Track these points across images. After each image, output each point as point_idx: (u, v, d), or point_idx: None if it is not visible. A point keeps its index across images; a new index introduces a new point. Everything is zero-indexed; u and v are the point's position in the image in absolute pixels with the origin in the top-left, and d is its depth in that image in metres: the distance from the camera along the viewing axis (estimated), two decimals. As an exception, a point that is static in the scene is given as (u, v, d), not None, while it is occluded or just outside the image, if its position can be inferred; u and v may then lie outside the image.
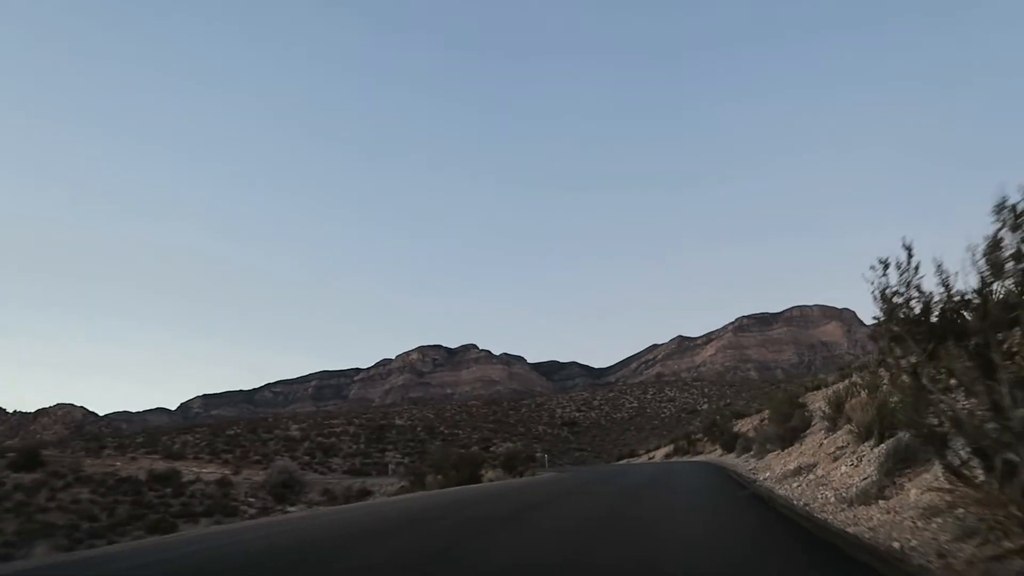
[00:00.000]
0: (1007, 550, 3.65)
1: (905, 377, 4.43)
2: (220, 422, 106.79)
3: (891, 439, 8.07)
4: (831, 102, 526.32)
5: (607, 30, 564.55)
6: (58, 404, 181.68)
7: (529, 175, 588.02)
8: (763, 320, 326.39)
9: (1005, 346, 3.92)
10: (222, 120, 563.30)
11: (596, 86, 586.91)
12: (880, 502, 6.39)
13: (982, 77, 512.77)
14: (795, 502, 8.34)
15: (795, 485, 10.08)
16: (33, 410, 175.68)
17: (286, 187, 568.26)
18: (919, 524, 4.99)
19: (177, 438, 68.84)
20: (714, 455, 32.40)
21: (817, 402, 20.09)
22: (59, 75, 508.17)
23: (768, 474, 13.67)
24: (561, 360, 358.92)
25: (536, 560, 5.30)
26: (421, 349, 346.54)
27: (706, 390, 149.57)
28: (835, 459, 10.34)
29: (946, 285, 4.51)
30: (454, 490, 19.72)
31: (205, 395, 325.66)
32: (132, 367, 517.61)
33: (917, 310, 4.60)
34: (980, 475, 4.08)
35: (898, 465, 6.96)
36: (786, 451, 16.25)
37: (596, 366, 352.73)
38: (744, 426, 33.58)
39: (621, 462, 57.43)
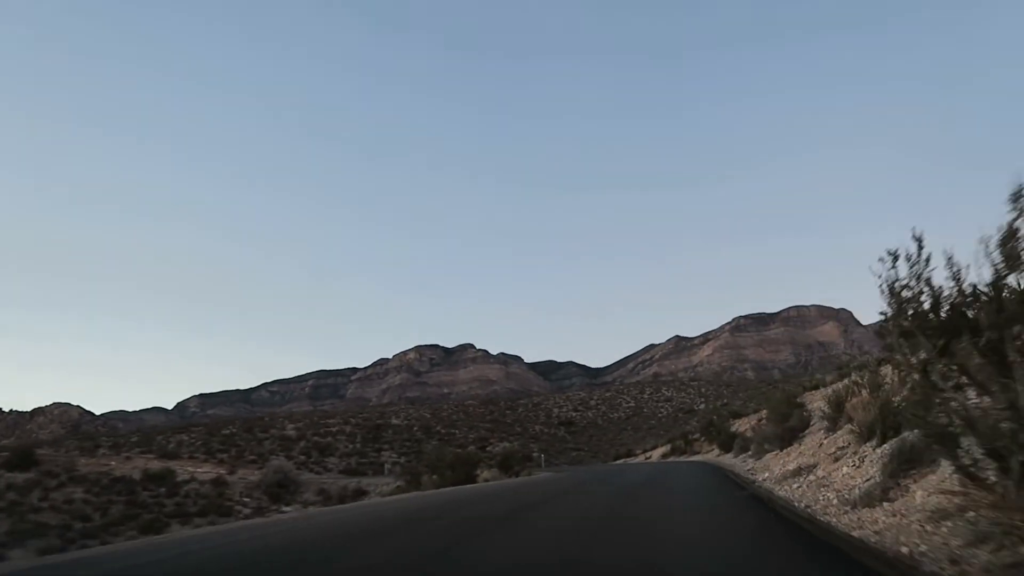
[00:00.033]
0: (1024, 556, 3.47)
1: (915, 375, 4.25)
2: (216, 421, 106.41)
3: (895, 439, 7.88)
4: (831, 102, 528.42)
5: (607, 30, 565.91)
6: (54, 403, 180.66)
7: (529, 175, 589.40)
8: (760, 320, 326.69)
9: (1020, 342, 3.75)
10: (222, 120, 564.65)
11: (596, 86, 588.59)
12: (885, 504, 6.19)
13: (982, 77, 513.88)
14: (796, 503, 8.16)
15: (795, 486, 9.90)
16: (29, 409, 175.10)
17: (286, 187, 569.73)
18: (928, 528, 4.79)
19: (172, 437, 68.49)
20: (711, 455, 32.25)
21: (816, 402, 19.92)
22: (59, 75, 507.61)
23: (767, 474, 13.49)
24: (558, 360, 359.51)
25: (534, 560, 5.28)
26: (418, 349, 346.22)
27: (703, 390, 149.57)
28: (836, 460, 10.16)
29: (957, 279, 4.33)
30: (449, 490, 19.57)
31: (202, 394, 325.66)
32: (129, 367, 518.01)
33: (927, 305, 4.43)
34: (994, 477, 3.90)
35: (902, 466, 6.77)
36: (785, 451, 16.08)
37: (593, 366, 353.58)
38: (741, 426, 33.43)
39: (618, 462, 57.29)
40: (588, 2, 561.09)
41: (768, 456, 17.43)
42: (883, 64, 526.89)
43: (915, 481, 6.37)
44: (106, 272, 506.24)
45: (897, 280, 4.31)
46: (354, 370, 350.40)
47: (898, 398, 8.88)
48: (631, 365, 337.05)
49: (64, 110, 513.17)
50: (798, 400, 21.40)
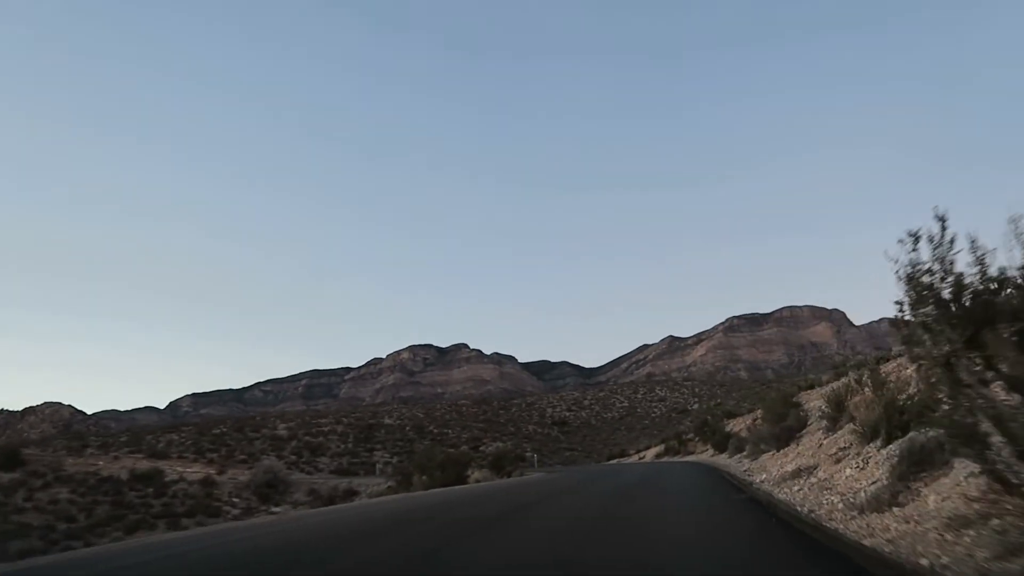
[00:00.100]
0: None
1: (938, 369, 3.87)
2: (207, 421, 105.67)
3: (902, 439, 7.51)
4: (831, 102, 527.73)
5: (607, 30, 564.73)
6: (45, 403, 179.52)
7: (529, 175, 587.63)
8: (753, 320, 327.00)
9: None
10: (222, 120, 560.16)
11: (596, 86, 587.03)
12: (895, 509, 5.79)
13: (982, 77, 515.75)
14: (799, 508, 7.77)
15: (796, 488, 9.53)
16: (20, 409, 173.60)
17: (286, 187, 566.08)
18: (947, 537, 4.38)
19: (162, 437, 67.86)
20: (705, 455, 31.94)
21: (814, 401, 19.61)
22: (59, 75, 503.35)
23: (764, 476, 13.13)
24: (552, 360, 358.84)
25: (526, 560, 5.29)
26: (412, 348, 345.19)
27: (696, 390, 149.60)
28: (838, 461, 9.79)
29: (982, 263, 3.97)
30: (440, 491, 19.26)
31: (195, 394, 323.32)
32: (123, 366, 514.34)
33: (948, 293, 4.06)
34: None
35: (912, 468, 6.38)
36: (782, 452, 15.74)
37: (587, 366, 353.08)
38: (736, 426, 33.12)
39: (612, 462, 57.02)
40: (588, 2, 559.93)
41: (764, 456, 17.09)
42: (883, 64, 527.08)
43: (926, 484, 5.98)
44: (100, 272, 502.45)
45: (919, 264, 3.93)
46: (348, 370, 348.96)
47: (903, 396, 8.53)
48: (625, 365, 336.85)
49: (64, 110, 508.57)
50: (794, 399, 21.08)
